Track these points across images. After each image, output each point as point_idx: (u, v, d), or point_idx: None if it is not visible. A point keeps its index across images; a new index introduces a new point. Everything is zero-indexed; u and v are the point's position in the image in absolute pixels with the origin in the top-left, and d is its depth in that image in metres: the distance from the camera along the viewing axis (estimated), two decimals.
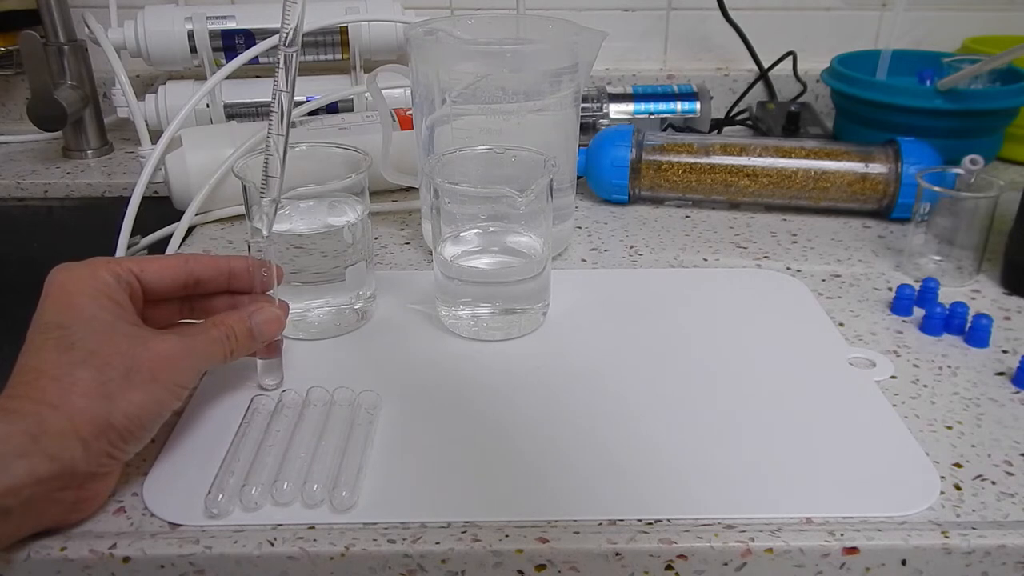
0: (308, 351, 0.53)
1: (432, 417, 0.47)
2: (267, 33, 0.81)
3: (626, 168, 0.73)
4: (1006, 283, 0.62)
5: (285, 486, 0.41)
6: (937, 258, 0.63)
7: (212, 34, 0.83)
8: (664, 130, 0.87)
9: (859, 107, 0.81)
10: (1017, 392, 0.50)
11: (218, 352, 0.45)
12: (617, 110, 0.87)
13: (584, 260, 0.66)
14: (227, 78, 0.78)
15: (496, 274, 0.54)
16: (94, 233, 0.82)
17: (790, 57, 0.95)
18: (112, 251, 0.69)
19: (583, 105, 0.85)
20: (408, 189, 0.73)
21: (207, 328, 0.45)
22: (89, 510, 0.40)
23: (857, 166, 0.71)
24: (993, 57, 0.73)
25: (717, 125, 0.93)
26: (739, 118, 0.95)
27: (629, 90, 0.88)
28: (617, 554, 0.39)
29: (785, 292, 0.61)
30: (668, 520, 0.40)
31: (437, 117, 0.60)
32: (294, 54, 0.45)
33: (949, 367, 0.53)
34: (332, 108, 0.84)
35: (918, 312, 0.58)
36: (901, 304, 0.58)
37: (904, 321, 0.58)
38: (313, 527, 0.40)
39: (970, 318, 0.55)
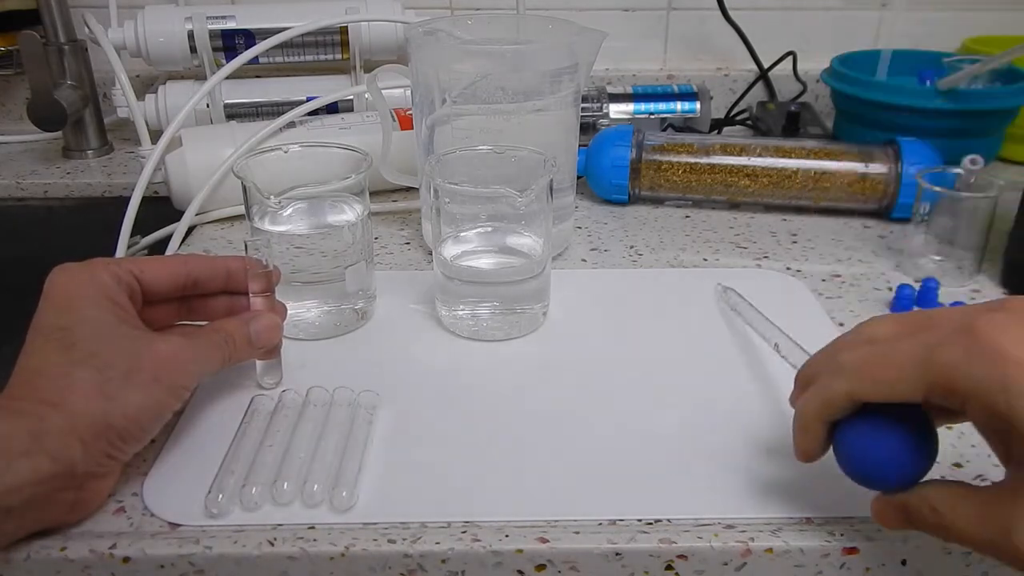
0: (308, 351, 0.53)
1: (432, 417, 0.47)
2: (267, 33, 0.81)
3: (626, 168, 0.73)
4: (1006, 283, 0.62)
5: (285, 486, 0.41)
6: (937, 258, 0.63)
7: (212, 34, 0.82)
8: (664, 130, 0.87)
9: (859, 107, 0.81)
10: None
11: (216, 356, 0.45)
12: (617, 110, 0.87)
13: (584, 260, 0.66)
14: (227, 78, 0.78)
15: (496, 274, 0.54)
16: (94, 233, 0.82)
17: (790, 57, 0.95)
18: (112, 251, 0.69)
19: (583, 105, 0.85)
20: (408, 189, 0.73)
21: (207, 332, 0.45)
22: (89, 510, 0.40)
23: (857, 166, 0.71)
24: (993, 57, 0.73)
25: (717, 125, 0.93)
26: (739, 118, 0.95)
27: (629, 90, 0.88)
28: (617, 554, 0.39)
29: (785, 292, 0.61)
30: (668, 520, 0.40)
31: (437, 117, 0.60)
32: None
33: None
34: (332, 108, 0.84)
35: None
36: (901, 304, 0.58)
37: None
38: (313, 527, 0.40)
39: None
